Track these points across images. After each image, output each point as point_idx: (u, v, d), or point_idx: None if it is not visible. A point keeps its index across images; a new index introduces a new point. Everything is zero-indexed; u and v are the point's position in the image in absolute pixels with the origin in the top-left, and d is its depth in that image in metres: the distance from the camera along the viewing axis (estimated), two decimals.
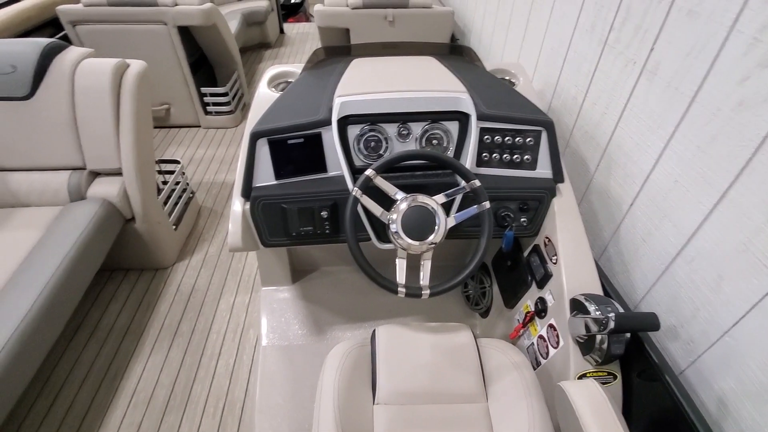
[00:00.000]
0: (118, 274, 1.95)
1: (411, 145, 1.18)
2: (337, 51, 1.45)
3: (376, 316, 1.59)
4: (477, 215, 1.00)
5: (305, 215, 1.11)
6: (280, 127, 1.11)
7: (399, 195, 0.98)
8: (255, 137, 1.10)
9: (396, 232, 0.95)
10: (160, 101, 2.93)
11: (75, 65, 1.62)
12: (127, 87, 1.66)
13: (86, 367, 1.59)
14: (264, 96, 1.39)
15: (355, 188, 0.97)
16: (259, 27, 4.28)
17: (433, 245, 0.95)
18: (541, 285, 1.14)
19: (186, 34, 2.69)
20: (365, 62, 1.34)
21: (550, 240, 1.14)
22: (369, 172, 0.97)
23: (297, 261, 1.71)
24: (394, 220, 0.95)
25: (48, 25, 2.70)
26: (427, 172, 1.18)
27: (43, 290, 1.29)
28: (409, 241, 0.94)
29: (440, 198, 0.99)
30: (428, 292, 0.94)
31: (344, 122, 1.13)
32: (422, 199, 0.97)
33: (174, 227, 2.02)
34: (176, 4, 2.55)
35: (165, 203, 1.94)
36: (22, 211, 1.62)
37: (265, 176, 1.13)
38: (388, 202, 1.01)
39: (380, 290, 1.68)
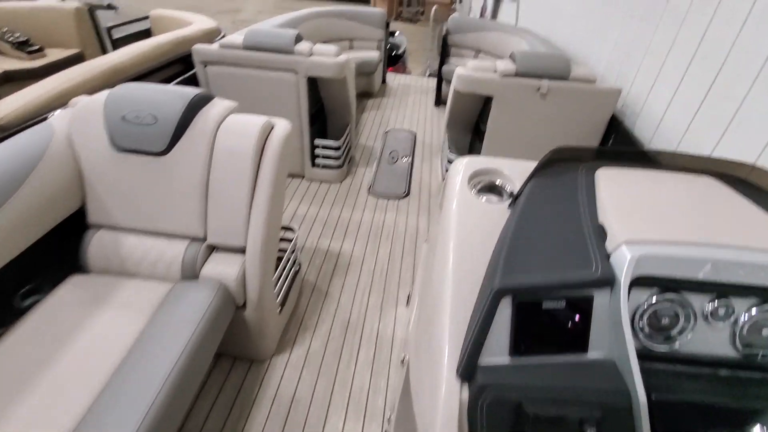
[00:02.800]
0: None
1: (725, 331, 0.75)
2: (577, 154, 1.09)
3: None
4: None
5: (556, 430, 0.70)
6: (537, 284, 0.73)
7: None
8: (500, 295, 0.73)
9: None
10: None
11: (219, 122, 1.39)
12: (270, 151, 1.40)
13: None
14: (467, 202, 1.04)
15: None
16: (366, 77, 4.16)
17: None
18: None
19: (311, 84, 2.52)
20: (619, 177, 0.96)
21: None
22: None
23: None
24: None
25: (177, 62, 2.65)
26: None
27: (156, 396, 0.97)
28: None
29: None
30: None
31: (632, 283, 0.74)
32: None
33: (279, 309, 1.70)
34: (312, 54, 2.39)
35: (275, 282, 1.63)
36: (130, 284, 1.36)
37: (497, 350, 0.75)
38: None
39: None
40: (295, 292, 1.89)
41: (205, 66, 2.44)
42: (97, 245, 1.41)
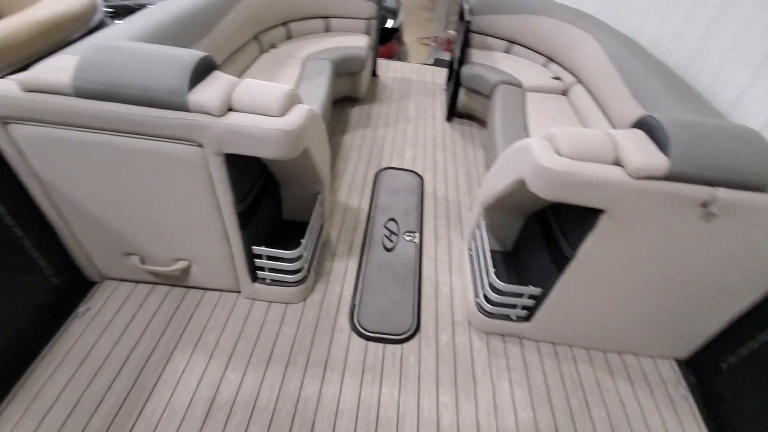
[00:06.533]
0: None
1: None
2: None
3: None
4: None
5: None
6: None
7: None
8: None
9: None
10: (174, 257, 1.54)
11: None
12: None
13: None
14: None
15: None
16: (350, 77, 2.84)
17: None
18: None
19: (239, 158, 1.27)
20: None
21: None
22: None
23: None
24: None
25: None
26: None
27: None
28: None
29: None
30: None
31: None
32: None
33: None
34: (230, 109, 1.13)
35: None
36: None
37: None
38: None
39: None
40: None
41: (5, 125, 1.15)
42: None
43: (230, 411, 1.34)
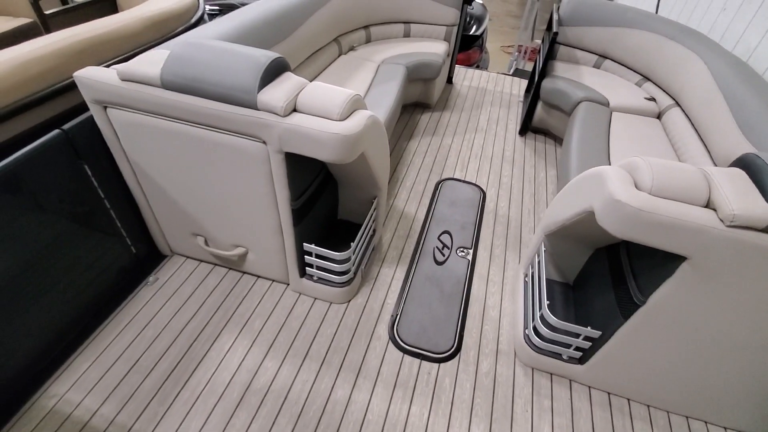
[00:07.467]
0: None
1: None
2: None
3: None
4: None
5: None
6: None
7: None
8: None
9: None
10: (234, 243, 1.63)
11: None
12: None
13: None
14: None
15: None
16: (423, 83, 2.82)
17: None
18: None
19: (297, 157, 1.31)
20: None
21: None
22: None
23: None
24: None
25: (61, 92, 1.43)
26: None
27: None
28: None
29: None
30: None
31: None
32: None
33: None
34: (294, 110, 1.17)
35: None
36: None
37: None
38: None
39: None
40: None
41: (106, 108, 1.30)
42: None
43: (263, 398, 1.39)
